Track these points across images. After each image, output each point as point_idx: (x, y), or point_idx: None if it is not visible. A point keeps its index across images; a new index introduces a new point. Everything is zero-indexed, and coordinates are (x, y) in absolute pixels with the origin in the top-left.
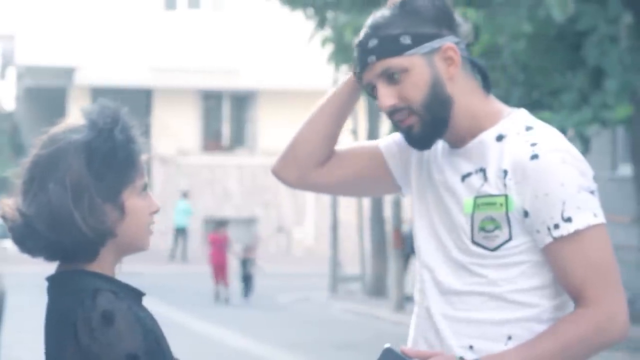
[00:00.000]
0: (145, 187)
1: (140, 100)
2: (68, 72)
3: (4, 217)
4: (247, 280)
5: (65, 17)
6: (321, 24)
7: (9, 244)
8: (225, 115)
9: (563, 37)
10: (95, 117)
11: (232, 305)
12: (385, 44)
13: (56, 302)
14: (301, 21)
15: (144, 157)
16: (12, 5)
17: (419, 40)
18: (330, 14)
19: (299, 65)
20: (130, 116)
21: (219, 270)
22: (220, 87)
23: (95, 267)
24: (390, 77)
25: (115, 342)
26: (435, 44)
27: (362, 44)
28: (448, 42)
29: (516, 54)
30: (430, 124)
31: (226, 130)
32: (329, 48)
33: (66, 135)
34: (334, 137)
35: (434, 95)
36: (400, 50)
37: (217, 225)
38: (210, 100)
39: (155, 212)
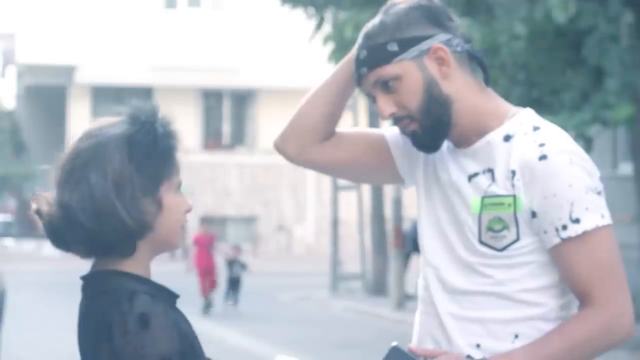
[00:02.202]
0: (179, 185)
1: (141, 98)
2: (68, 71)
3: (38, 212)
4: (233, 284)
5: (65, 16)
6: (321, 22)
7: (10, 242)
8: (226, 113)
9: (563, 37)
10: (136, 111)
11: (213, 314)
12: (374, 53)
13: (91, 303)
14: (301, 20)
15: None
16: (13, 4)
17: (405, 45)
18: (330, 12)
19: (299, 63)
20: (167, 115)
21: (207, 275)
22: (220, 86)
23: (131, 266)
24: (386, 86)
25: (150, 346)
26: (423, 46)
27: (356, 57)
28: (436, 42)
29: (514, 53)
30: (432, 127)
31: (226, 128)
32: (330, 46)
33: (104, 130)
34: (335, 113)
35: (430, 98)
36: (388, 57)
37: (203, 222)
38: (211, 98)
39: (188, 210)
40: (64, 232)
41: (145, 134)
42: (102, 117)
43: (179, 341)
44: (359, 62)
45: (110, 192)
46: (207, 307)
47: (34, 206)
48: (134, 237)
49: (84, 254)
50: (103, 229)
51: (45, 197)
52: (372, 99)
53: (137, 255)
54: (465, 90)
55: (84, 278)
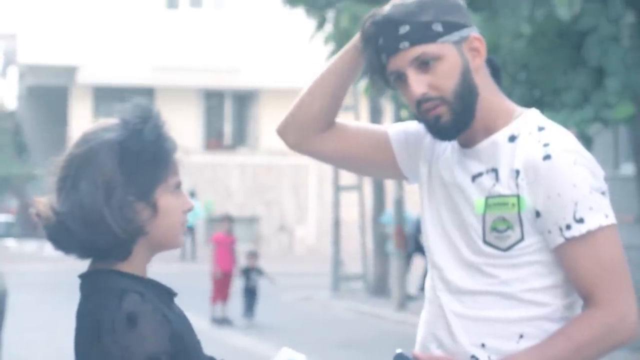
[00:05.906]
0: (178, 185)
1: (142, 99)
2: (70, 71)
3: (38, 215)
4: (250, 295)
5: (67, 16)
6: (323, 22)
7: (11, 243)
8: (227, 114)
9: (564, 37)
10: (127, 116)
11: (234, 327)
12: (418, 30)
13: (86, 301)
14: (302, 20)
15: (177, 156)
16: (14, 4)
17: (449, 28)
18: (331, 12)
19: (301, 63)
20: (162, 115)
21: (224, 282)
22: (222, 86)
23: (127, 265)
24: (423, 65)
25: (136, 345)
26: (463, 33)
27: (391, 31)
28: (474, 32)
29: (515, 53)
30: (460, 114)
31: (228, 129)
32: (331, 46)
33: (99, 134)
34: (335, 102)
35: (464, 84)
36: (434, 37)
37: (223, 220)
38: (212, 99)
39: (189, 210)
40: (59, 238)
41: (134, 141)
42: (101, 119)
43: (169, 341)
44: (399, 37)
45: (99, 200)
46: (227, 322)
47: (33, 210)
48: (126, 244)
49: (81, 257)
50: (94, 237)
51: (42, 202)
52: (396, 78)
53: (133, 256)
54: (486, 86)
55: (82, 276)
